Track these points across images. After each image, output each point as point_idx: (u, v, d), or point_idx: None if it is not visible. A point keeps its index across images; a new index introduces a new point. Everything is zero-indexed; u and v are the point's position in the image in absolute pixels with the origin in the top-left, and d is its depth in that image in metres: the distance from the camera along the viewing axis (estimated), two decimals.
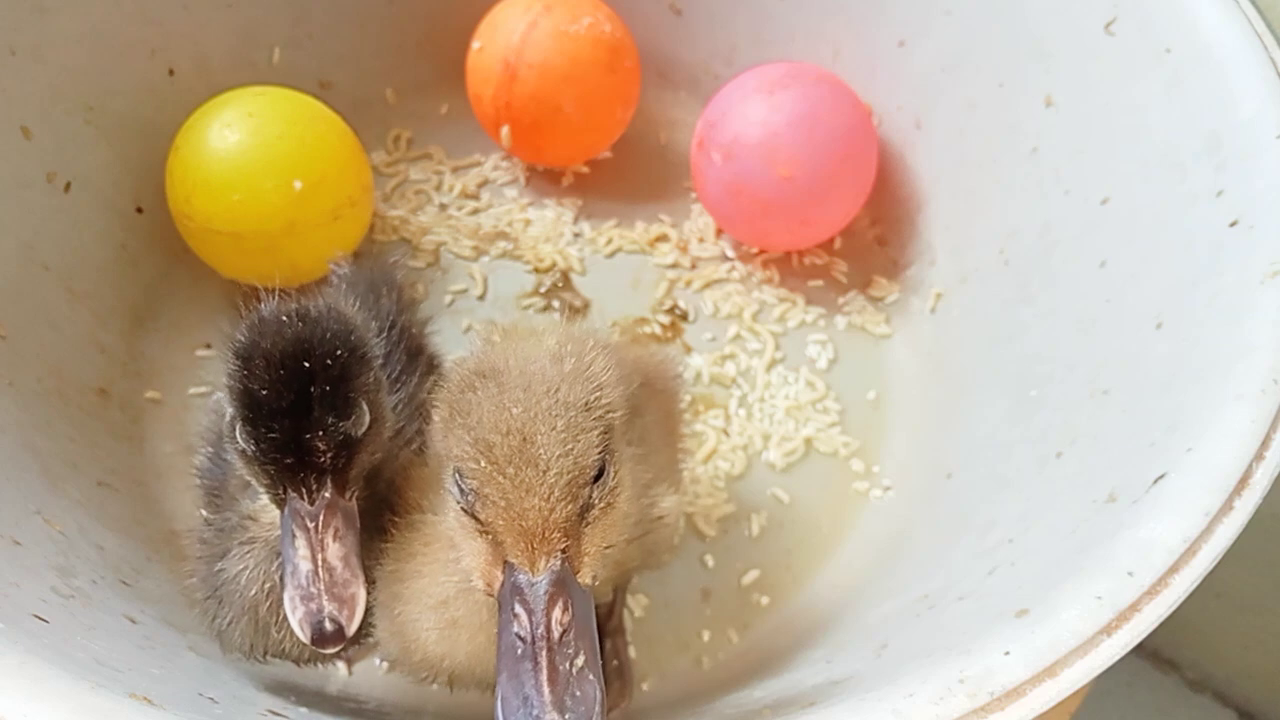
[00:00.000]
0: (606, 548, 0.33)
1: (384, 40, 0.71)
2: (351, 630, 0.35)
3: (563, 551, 0.31)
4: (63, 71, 0.56)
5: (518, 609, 0.30)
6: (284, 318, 0.36)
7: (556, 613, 0.30)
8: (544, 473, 0.30)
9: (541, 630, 0.30)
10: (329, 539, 0.35)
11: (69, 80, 0.56)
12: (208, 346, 0.61)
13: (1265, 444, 0.35)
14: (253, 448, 0.35)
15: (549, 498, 0.30)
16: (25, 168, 0.54)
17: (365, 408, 0.36)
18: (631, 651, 0.52)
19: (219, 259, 0.59)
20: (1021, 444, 0.49)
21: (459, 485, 0.32)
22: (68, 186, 0.56)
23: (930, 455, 0.57)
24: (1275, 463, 0.35)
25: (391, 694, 0.50)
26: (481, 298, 0.65)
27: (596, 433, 0.32)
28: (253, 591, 0.39)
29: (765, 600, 0.55)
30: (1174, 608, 0.32)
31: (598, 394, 0.32)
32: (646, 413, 0.46)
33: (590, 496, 0.31)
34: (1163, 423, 0.39)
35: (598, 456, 0.31)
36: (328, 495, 0.35)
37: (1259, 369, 0.37)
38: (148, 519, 0.53)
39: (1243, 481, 0.35)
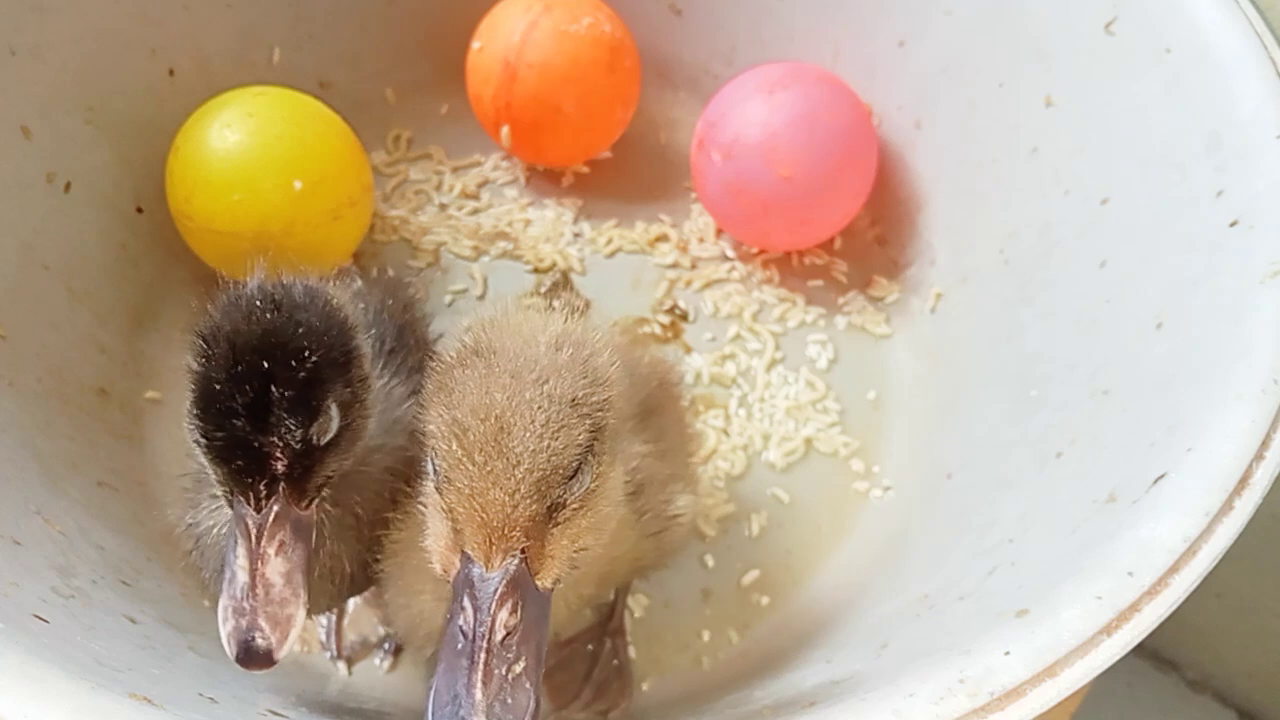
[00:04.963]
0: (577, 552, 0.31)
1: (384, 40, 0.71)
2: (280, 655, 0.32)
3: (523, 551, 0.30)
4: (63, 71, 0.56)
5: (465, 602, 0.29)
6: (258, 301, 0.32)
7: (504, 614, 0.29)
8: (514, 466, 0.29)
9: (484, 629, 0.29)
10: (271, 551, 0.32)
11: (69, 80, 0.56)
12: None
13: (1265, 444, 0.35)
14: (202, 441, 0.32)
15: (514, 493, 0.29)
16: (25, 168, 0.54)
17: (335, 412, 0.33)
18: (631, 651, 0.52)
19: (219, 259, 0.59)
20: (1021, 444, 0.49)
21: (433, 464, 0.31)
22: (68, 186, 0.56)
23: (930, 455, 0.57)
24: (1275, 463, 0.35)
25: (391, 694, 0.50)
26: (481, 298, 0.65)
27: (581, 431, 0.30)
28: (221, 548, 0.37)
29: (765, 600, 0.55)
30: (1174, 608, 0.33)
31: (590, 391, 0.31)
32: (664, 412, 0.46)
33: (562, 496, 0.30)
34: (1163, 423, 0.39)
35: (577, 456, 0.30)
36: (278, 505, 0.32)
37: (1259, 369, 0.37)
38: (148, 519, 0.53)
39: (1243, 481, 0.35)
